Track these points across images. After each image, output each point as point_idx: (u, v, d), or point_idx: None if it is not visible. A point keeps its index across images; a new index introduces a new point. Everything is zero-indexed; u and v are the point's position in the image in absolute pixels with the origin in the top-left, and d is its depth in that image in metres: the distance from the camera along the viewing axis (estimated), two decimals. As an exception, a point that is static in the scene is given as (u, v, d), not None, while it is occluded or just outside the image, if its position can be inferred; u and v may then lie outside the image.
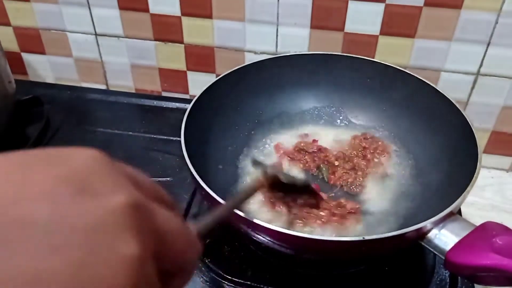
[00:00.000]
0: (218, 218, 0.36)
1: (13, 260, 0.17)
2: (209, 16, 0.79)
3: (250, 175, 0.67)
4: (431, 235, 0.47)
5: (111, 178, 0.21)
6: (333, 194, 0.64)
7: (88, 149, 0.22)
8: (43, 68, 0.94)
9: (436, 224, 0.47)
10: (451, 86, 0.75)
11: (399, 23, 0.72)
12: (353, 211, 0.59)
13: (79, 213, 0.18)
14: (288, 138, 0.72)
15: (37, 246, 0.17)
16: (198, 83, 0.88)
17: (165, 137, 0.80)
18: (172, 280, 0.24)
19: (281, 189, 0.51)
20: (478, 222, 0.48)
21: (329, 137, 0.72)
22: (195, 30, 0.81)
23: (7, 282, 0.16)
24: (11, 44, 0.91)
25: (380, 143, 0.69)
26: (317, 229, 0.57)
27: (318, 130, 0.73)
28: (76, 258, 0.17)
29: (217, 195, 0.48)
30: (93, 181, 0.20)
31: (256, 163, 0.64)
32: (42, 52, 0.92)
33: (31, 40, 0.90)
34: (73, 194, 0.19)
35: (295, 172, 0.67)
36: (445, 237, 0.46)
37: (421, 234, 0.47)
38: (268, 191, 0.53)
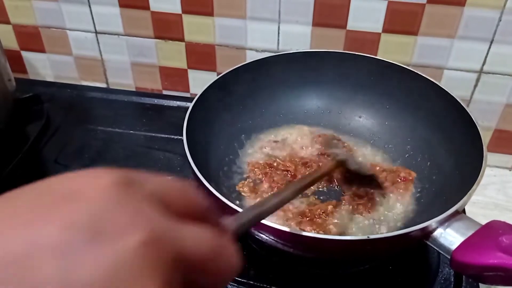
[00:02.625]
0: (270, 210, 0.31)
1: None
2: (210, 14, 0.78)
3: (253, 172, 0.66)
4: (436, 234, 0.46)
5: (126, 211, 0.19)
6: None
7: (100, 175, 0.20)
8: (43, 66, 0.94)
9: (441, 223, 0.46)
10: (454, 84, 0.74)
11: (401, 21, 0.72)
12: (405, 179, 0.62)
13: (91, 265, 0.17)
14: (288, 138, 0.72)
15: None
16: (199, 81, 0.88)
17: (166, 136, 0.79)
18: None
19: (347, 175, 0.55)
20: (481, 220, 0.47)
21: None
22: (196, 28, 0.81)
23: None
24: (11, 42, 0.91)
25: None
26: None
27: (320, 130, 0.73)
28: None
29: (220, 193, 0.48)
30: (106, 221, 0.18)
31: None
32: (42, 50, 0.91)
33: (31, 38, 0.90)
34: (84, 242, 0.17)
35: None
36: (450, 236, 0.46)
37: (426, 233, 0.46)
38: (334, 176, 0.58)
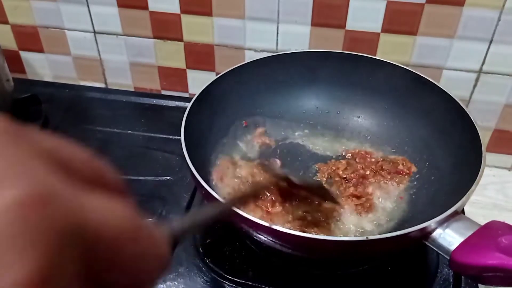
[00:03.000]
0: (208, 218, 0.28)
1: None
2: (209, 14, 0.78)
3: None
4: (435, 234, 0.46)
5: (6, 160, 0.14)
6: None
7: None
8: (41, 66, 0.94)
9: (441, 223, 0.46)
10: (453, 84, 0.74)
11: (400, 21, 0.72)
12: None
13: None
14: (288, 138, 0.71)
15: None
16: (198, 81, 0.88)
17: (165, 136, 0.79)
18: None
19: (292, 190, 0.50)
20: (480, 221, 0.47)
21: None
22: (194, 28, 0.81)
23: None
24: (9, 42, 0.90)
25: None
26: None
27: (319, 129, 0.73)
28: None
29: (218, 194, 0.48)
30: None
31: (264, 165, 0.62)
32: (40, 50, 0.91)
33: (29, 38, 0.89)
34: None
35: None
36: (449, 237, 0.46)
37: (425, 234, 0.46)
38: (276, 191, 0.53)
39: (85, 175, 0.17)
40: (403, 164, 0.66)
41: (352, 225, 0.58)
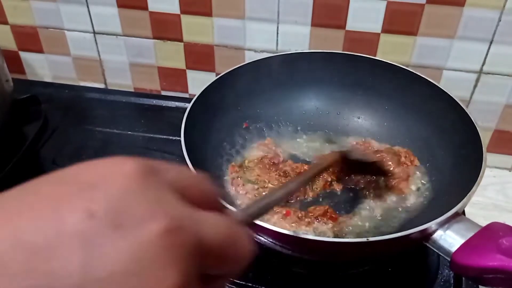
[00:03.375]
0: (277, 200, 0.32)
1: None
2: (209, 14, 0.78)
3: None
4: (436, 236, 0.46)
5: (148, 200, 0.19)
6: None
7: (123, 163, 0.20)
8: (41, 67, 0.94)
9: (441, 225, 0.46)
10: (453, 85, 0.74)
11: (401, 21, 0.71)
12: None
13: (115, 253, 0.17)
14: (288, 138, 0.71)
15: None
16: (198, 81, 0.87)
17: (165, 137, 0.79)
18: (215, 281, 0.23)
19: (349, 167, 0.57)
20: (481, 221, 0.47)
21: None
22: (194, 28, 0.81)
23: None
24: (9, 43, 0.90)
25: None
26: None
27: (318, 130, 0.73)
28: None
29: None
30: (128, 209, 0.19)
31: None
32: (40, 50, 0.91)
33: (29, 38, 0.89)
34: (107, 231, 0.18)
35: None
36: (450, 238, 0.45)
37: (426, 235, 0.46)
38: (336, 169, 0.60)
39: (196, 195, 0.22)
40: (405, 156, 0.66)
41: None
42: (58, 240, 0.17)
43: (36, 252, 0.17)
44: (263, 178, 0.64)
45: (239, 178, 0.64)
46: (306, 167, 0.66)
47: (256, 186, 0.62)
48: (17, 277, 0.16)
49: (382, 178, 0.62)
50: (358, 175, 0.63)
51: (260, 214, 0.29)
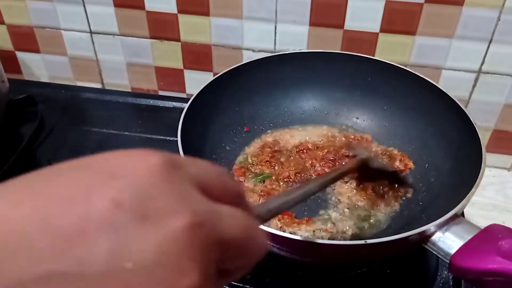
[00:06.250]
0: (295, 199, 0.33)
1: None
2: (206, 14, 0.78)
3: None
4: (435, 238, 0.46)
5: (173, 193, 0.20)
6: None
7: (148, 154, 0.21)
8: (38, 67, 0.93)
9: (440, 227, 0.46)
10: (452, 84, 0.74)
11: (399, 20, 0.71)
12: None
13: (141, 244, 0.18)
14: (287, 138, 0.71)
15: None
16: (195, 81, 0.87)
17: (162, 137, 0.79)
18: (229, 275, 0.23)
19: (368, 174, 0.58)
20: (480, 222, 0.47)
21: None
22: (192, 28, 0.80)
23: None
24: (5, 43, 0.90)
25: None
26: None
27: (316, 130, 0.72)
28: None
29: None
30: (154, 201, 0.19)
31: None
32: (36, 50, 0.90)
33: (25, 38, 0.89)
34: (133, 221, 0.18)
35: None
36: (449, 240, 0.45)
37: (425, 237, 0.46)
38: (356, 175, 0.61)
39: (216, 190, 0.23)
40: (400, 160, 0.66)
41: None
42: (86, 226, 0.17)
43: (65, 237, 0.17)
44: (270, 169, 0.65)
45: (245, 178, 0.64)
46: (310, 145, 0.68)
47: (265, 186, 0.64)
48: (44, 260, 0.16)
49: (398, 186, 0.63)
50: (375, 182, 0.63)
51: (278, 210, 0.29)
